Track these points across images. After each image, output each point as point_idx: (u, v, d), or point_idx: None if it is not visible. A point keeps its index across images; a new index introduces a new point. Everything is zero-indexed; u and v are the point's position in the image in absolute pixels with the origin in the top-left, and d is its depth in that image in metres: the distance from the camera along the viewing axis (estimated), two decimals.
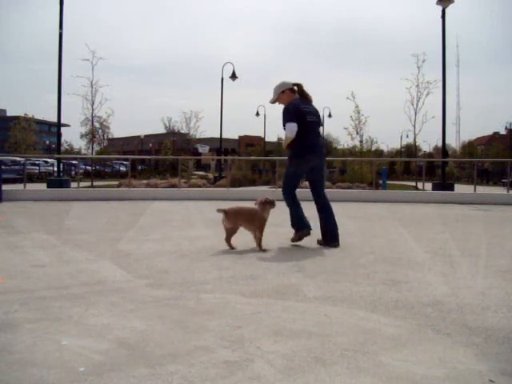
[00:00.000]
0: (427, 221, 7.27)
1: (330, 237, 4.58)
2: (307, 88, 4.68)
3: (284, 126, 4.48)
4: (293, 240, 4.65)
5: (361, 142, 19.74)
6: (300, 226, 4.64)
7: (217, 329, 2.18)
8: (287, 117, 4.43)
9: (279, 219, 5.28)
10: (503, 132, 49.53)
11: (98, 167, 28.77)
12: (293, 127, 4.35)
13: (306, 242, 4.74)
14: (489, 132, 62.14)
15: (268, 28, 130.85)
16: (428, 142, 55.67)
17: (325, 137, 44.93)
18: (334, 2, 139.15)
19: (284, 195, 4.70)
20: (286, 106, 4.55)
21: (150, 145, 50.37)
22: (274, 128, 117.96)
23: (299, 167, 4.60)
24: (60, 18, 12.86)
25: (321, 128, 4.82)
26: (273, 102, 4.71)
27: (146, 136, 50.76)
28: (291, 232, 5.01)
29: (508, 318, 2.40)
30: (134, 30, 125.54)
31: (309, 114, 4.50)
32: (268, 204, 4.41)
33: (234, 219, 4.25)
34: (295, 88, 4.64)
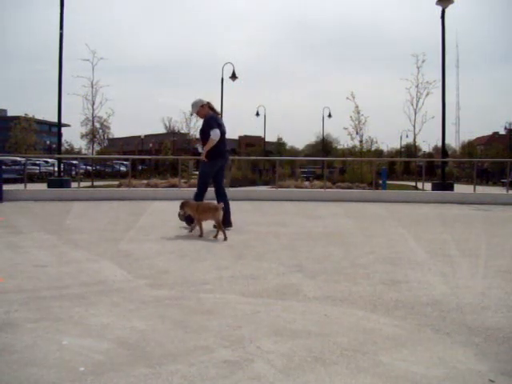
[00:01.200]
0: (427, 221, 7.28)
1: (226, 220, 5.53)
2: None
3: (205, 132, 5.66)
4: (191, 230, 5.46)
5: (361, 142, 19.70)
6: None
7: (217, 329, 2.19)
8: (212, 124, 5.58)
9: (280, 220, 5.29)
10: (503, 132, 49.47)
11: (98, 167, 28.74)
12: (218, 132, 5.54)
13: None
14: (488, 132, 62.13)
15: (268, 28, 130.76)
16: (428, 142, 55.55)
17: (325, 137, 45.00)
18: (334, 1, 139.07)
19: (200, 190, 5.70)
20: (208, 117, 5.71)
21: (150, 145, 50.34)
22: (274, 128, 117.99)
23: (212, 168, 5.74)
24: (60, 18, 12.85)
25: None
26: (191, 114, 6.51)
27: (145, 136, 50.70)
28: (291, 232, 5.02)
29: (508, 318, 2.41)
30: (134, 30, 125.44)
31: (221, 126, 5.72)
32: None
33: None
34: (208, 104, 5.87)
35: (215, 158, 5.67)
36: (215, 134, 5.50)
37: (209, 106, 5.82)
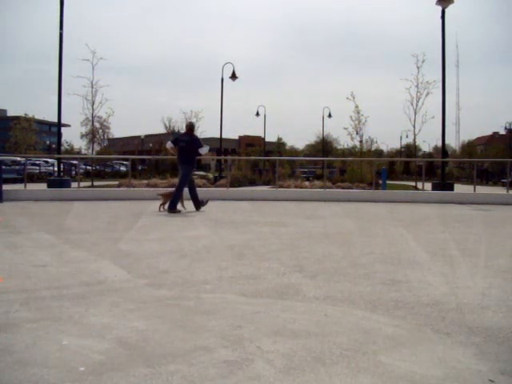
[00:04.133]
0: (427, 221, 7.28)
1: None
2: (196, 128, 9.42)
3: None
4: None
5: (361, 142, 19.66)
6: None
7: (217, 329, 2.19)
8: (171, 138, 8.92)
9: (280, 220, 5.29)
10: (503, 132, 49.42)
11: (98, 167, 28.71)
12: (169, 143, 8.54)
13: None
14: (488, 132, 62.05)
15: (268, 28, 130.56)
16: (428, 142, 55.38)
17: (325, 137, 45.06)
18: (333, 1, 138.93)
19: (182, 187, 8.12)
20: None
21: (150, 145, 50.34)
22: (274, 128, 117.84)
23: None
24: (60, 18, 12.86)
25: (203, 148, 8.23)
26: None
27: (146, 136, 50.73)
28: (291, 232, 5.01)
29: (508, 318, 2.41)
30: (134, 29, 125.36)
31: (181, 142, 8.22)
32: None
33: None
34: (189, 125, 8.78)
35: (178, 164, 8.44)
36: (168, 145, 8.52)
37: (188, 126, 8.66)
